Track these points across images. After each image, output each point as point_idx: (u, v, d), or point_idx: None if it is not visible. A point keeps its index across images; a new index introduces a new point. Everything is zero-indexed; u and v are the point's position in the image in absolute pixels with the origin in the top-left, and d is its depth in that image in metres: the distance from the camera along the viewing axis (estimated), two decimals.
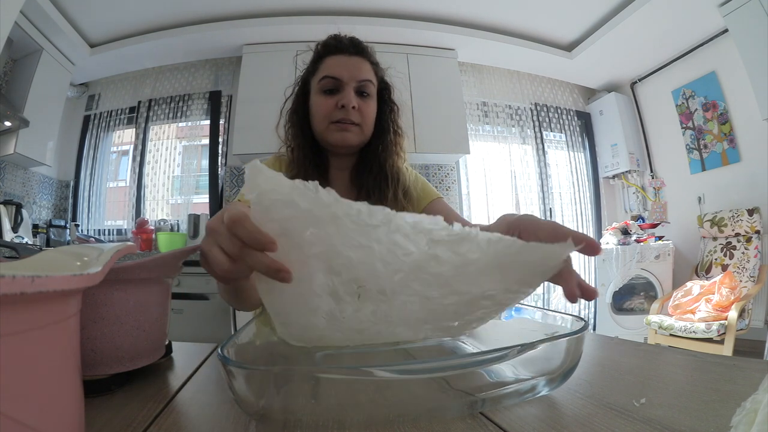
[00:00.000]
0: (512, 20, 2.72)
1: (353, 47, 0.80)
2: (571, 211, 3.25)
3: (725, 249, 2.52)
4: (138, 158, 2.86)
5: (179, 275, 0.43)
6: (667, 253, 2.69)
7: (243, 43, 2.67)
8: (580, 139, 3.38)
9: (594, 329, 2.98)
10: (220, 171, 2.84)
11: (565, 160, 3.31)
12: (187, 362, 0.46)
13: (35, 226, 2.46)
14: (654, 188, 3.10)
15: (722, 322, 2.01)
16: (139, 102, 2.88)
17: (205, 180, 2.87)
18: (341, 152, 0.82)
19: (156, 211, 2.82)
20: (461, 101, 2.79)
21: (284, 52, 2.62)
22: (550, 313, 0.45)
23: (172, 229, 2.66)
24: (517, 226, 0.39)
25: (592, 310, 3.09)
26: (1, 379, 0.15)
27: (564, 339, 0.32)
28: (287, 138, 0.84)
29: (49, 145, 2.53)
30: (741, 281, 2.30)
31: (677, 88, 2.94)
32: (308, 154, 0.80)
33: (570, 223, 3.22)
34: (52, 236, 2.53)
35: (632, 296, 2.77)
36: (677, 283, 2.59)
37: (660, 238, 2.82)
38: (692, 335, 2.09)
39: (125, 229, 2.78)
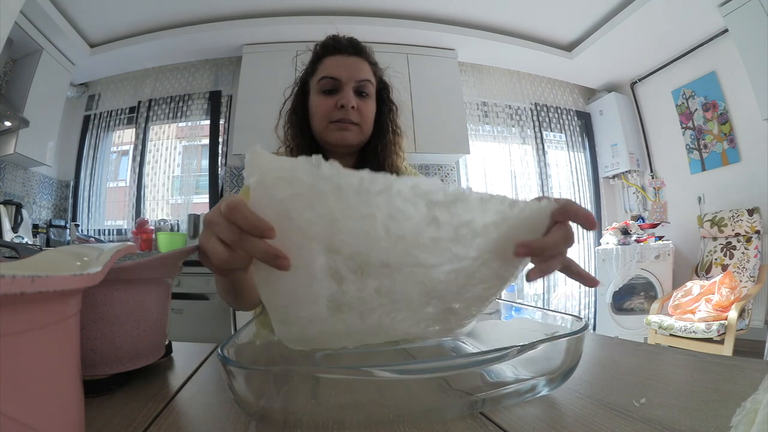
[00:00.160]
0: (512, 20, 2.72)
1: (352, 47, 0.80)
2: None
3: (725, 249, 2.52)
4: (138, 158, 2.86)
5: (179, 275, 0.43)
6: (667, 253, 2.69)
7: (243, 43, 2.67)
8: (580, 139, 3.38)
9: (594, 329, 2.98)
10: (220, 171, 2.84)
11: (565, 160, 3.31)
12: (187, 362, 0.46)
13: (35, 226, 2.46)
14: (654, 188, 3.10)
15: (722, 322, 2.01)
16: (139, 102, 2.88)
17: (205, 180, 2.87)
18: (341, 152, 0.82)
19: (156, 211, 2.82)
20: (461, 101, 2.79)
21: (284, 52, 2.62)
22: (550, 313, 0.45)
23: (172, 229, 2.66)
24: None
25: (592, 310, 3.09)
26: (1, 379, 0.15)
27: (564, 339, 0.32)
28: (286, 138, 0.85)
29: (49, 145, 2.53)
30: (741, 281, 2.30)
31: (677, 88, 2.94)
32: (307, 155, 0.80)
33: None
34: (52, 236, 2.53)
35: (632, 296, 2.77)
36: (677, 283, 2.59)
37: (660, 238, 2.82)
38: (692, 335, 2.09)
39: (125, 229, 2.78)
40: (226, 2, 2.46)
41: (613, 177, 3.36)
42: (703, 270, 2.58)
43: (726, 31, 2.49)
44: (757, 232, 2.38)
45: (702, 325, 2.06)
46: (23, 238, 2.26)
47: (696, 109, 2.84)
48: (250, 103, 2.54)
